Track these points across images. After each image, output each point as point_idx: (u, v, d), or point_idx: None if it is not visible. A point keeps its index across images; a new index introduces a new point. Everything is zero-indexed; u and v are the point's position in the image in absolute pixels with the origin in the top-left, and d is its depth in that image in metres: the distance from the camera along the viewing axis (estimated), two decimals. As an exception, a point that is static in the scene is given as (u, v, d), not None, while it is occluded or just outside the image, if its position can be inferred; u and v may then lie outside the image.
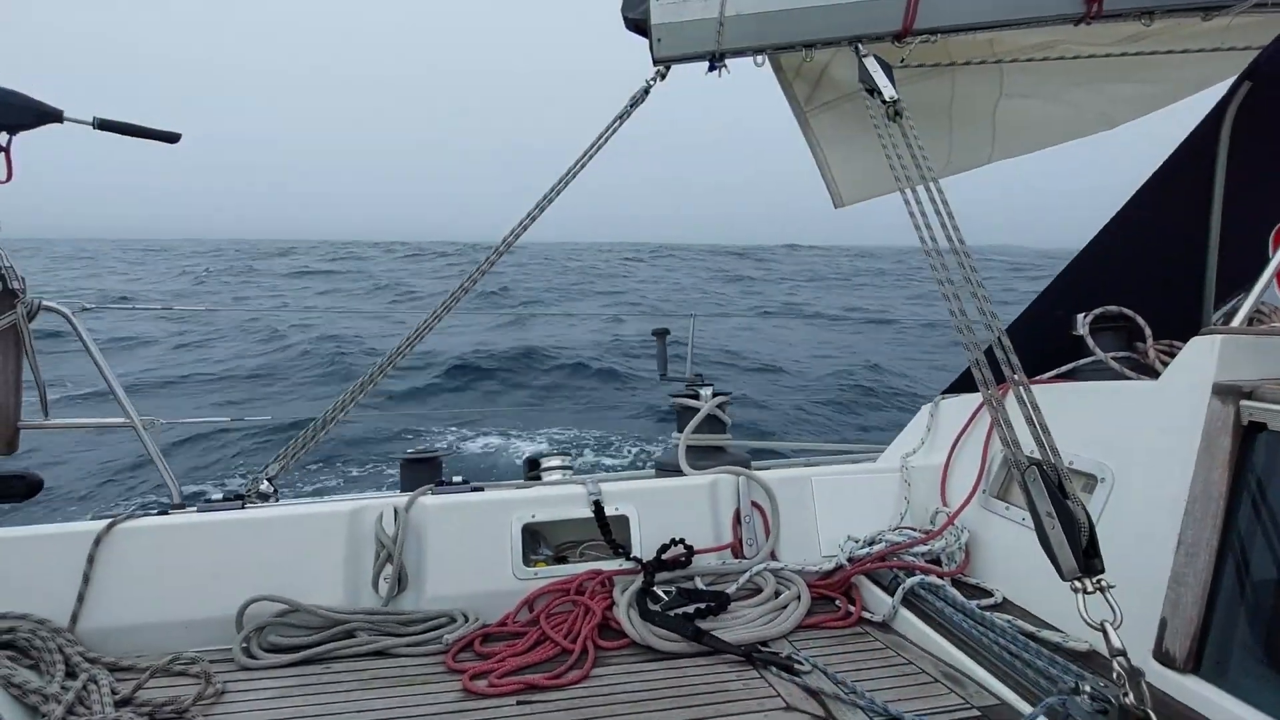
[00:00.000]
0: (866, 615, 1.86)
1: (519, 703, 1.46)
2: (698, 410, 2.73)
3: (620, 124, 2.83)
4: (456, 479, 2.19)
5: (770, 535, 2.10)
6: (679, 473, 2.52)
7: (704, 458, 2.64)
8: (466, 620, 1.80)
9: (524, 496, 2.07)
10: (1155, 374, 1.99)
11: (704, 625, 1.71)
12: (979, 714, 1.39)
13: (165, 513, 1.91)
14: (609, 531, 2.03)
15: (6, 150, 2.28)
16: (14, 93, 2.29)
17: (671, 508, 2.10)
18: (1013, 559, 1.90)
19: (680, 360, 3.40)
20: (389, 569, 1.86)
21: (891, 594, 1.82)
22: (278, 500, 2.28)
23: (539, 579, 1.94)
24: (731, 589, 1.91)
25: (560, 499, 2.07)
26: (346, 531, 1.87)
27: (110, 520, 1.76)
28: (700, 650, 1.65)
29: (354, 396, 2.56)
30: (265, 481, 2.31)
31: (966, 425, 2.24)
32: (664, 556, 1.98)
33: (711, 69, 2.87)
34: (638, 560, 1.98)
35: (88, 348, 2.40)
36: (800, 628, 1.79)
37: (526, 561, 1.97)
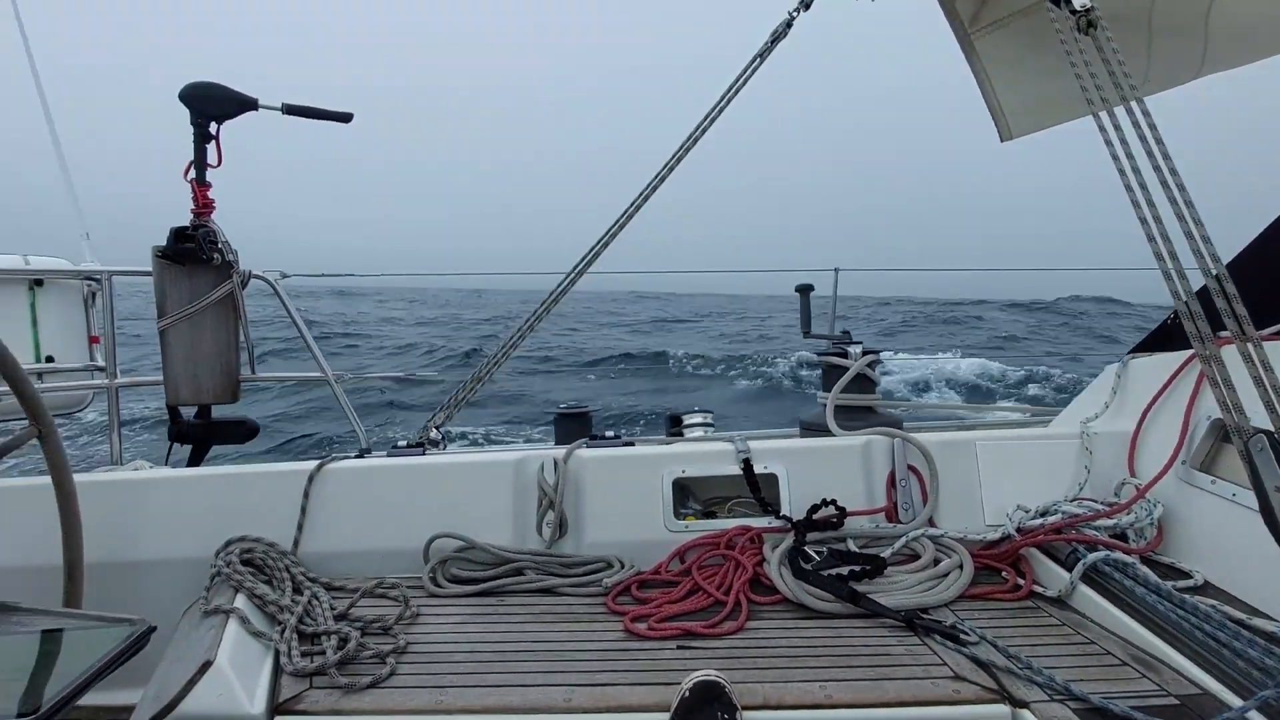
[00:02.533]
0: (1038, 589, 1.74)
1: (679, 647, 1.53)
2: (845, 369, 2.65)
3: (761, 62, 2.71)
4: (608, 433, 2.28)
5: (928, 501, 2.01)
6: (826, 433, 2.46)
7: (852, 418, 2.57)
8: (623, 566, 1.90)
9: (673, 452, 2.12)
10: None
11: (859, 588, 1.69)
12: (1177, 702, 1.28)
13: (361, 456, 2.15)
14: (758, 489, 2.03)
15: (216, 138, 2.60)
16: (218, 85, 2.59)
17: (821, 468, 2.07)
18: (1218, 538, 1.70)
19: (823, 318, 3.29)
20: (551, 515, 1.99)
21: (1069, 569, 1.69)
22: (446, 445, 2.50)
23: (689, 532, 1.99)
24: (886, 554, 1.86)
25: (709, 455, 2.10)
26: (513, 478, 2.02)
27: (320, 461, 2.01)
28: (856, 612, 1.64)
29: (505, 351, 2.72)
30: (434, 429, 2.53)
31: (1165, 386, 2.00)
32: (815, 517, 1.96)
33: None
34: (787, 519, 1.98)
35: (289, 311, 2.73)
36: (963, 597, 1.71)
37: (677, 515, 2.03)
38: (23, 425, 1.49)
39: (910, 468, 2.06)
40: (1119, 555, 1.66)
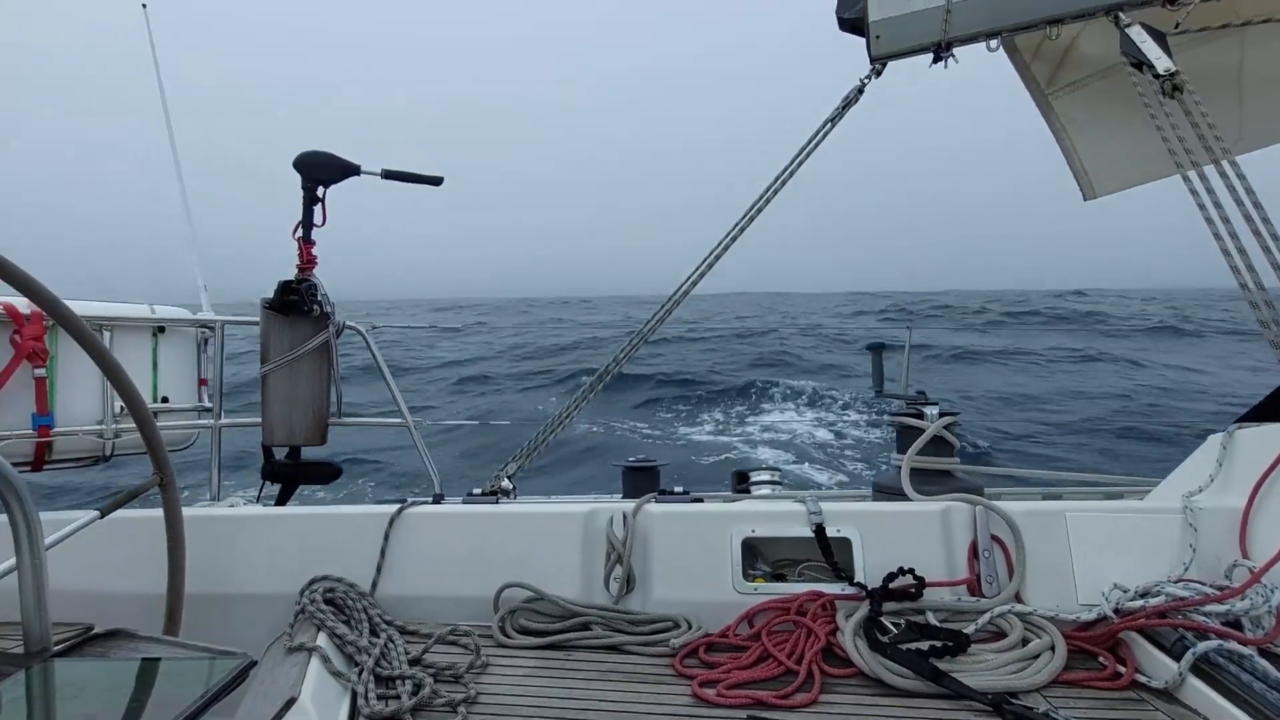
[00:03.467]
0: (1140, 679, 1.61)
1: (750, 717, 1.48)
2: (921, 431, 2.57)
3: (832, 127, 2.77)
4: (677, 489, 2.28)
5: (1014, 575, 1.91)
6: (901, 496, 2.38)
7: (928, 483, 2.48)
8: (690, 627, 1.87)
9: (743, 510, 2.10)
10: None
11: (940, 665, 1.61)
12: None
13: (436, 501, 2.22)
14: (831, 554, 1.98)
15: (322, 201, 2.83)
16: (325, 153, 2.83)
17: (898, 534, 2.00)
18: None
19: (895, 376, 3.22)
20: (619, 570, 2.00)
21: (1176, 658, 1.56)
22: (516, 494, 2.55)
23: (758, 594, 1.95)
24: (970, 629, 1.77)
25: (780, 516, 2.06)
26: (583, 531, 2.04)
27: (400, 505, 2.09)
28: (938, 692, 1.55)
29: (578, 404, 2.78)
30: (506, 479, 2.59)
31: (1279, 460, 1.85)
32: (891, 585, 1.89)
33: (936, 60, 2.71)
34: (861, 586, 1.91)
35: (376, 358, 2.88)
36: (1056, 683, 1.60)
37: (745, 575, 2.00)
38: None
39: (994, 538, 1.97)
40: (1234, 645, 1.52)
